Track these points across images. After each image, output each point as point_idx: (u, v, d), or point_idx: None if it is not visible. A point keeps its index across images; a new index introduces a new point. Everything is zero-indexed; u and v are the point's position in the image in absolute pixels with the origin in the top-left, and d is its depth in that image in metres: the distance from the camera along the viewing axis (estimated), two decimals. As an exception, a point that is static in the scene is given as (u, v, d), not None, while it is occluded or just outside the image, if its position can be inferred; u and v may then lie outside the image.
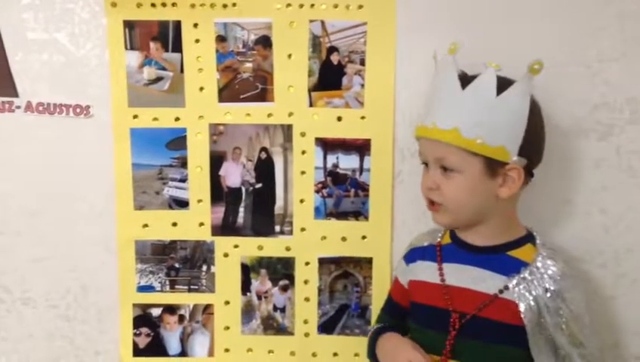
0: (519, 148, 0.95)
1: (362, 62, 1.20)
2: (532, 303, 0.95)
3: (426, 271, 1.07)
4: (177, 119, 1.24)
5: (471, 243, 1.04)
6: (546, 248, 1.00)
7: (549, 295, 0.95)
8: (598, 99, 1.17)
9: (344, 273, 1.27)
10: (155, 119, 1.24)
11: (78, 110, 1.24)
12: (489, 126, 0.94)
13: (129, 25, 1.21)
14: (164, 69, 1.23)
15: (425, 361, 0.97)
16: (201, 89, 1.23)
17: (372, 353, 1.11)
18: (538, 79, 0.96)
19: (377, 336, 1.10)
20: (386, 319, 1.17)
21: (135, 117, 1.24)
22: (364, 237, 1.25)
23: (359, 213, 1.25)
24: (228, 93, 1.23)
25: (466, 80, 0.97)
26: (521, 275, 0.97)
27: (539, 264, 0.98)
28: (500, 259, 1.00)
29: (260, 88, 1.23)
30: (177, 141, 1.25)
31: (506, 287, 0.97)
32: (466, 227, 1.03)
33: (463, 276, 1.02)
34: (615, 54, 1.15)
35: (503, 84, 0.95)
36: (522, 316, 0.95)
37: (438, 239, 1.09)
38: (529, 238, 1.02)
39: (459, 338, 1.00)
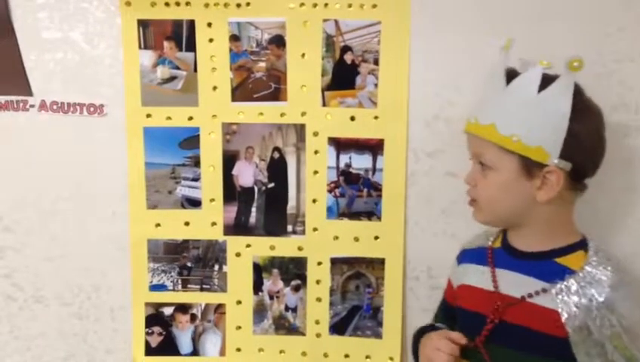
0: (560, 151, 0.91)
1: (376, 62, 1.20)
2: (577, 312, 0.90)
3: (475, 275, 1.03)
4: (190, 118, 1.24)
5: (517, 248, 0.99)
6: (597, 256, 0.93)
7: (595, 304, 0.89)
8: (615, 100, 1.15)
9: (356, 273, 1.26)
10: (169, 118, 1.24)
11: (91, 109, 1.24)
12: (527, 124, 0.91)
13: (143, 24, 1.22)
14: (177, 68, 1.23)
15: (453, 346, 0.95)
16: (215, 88, 1.23)
17: (415, 353, 1.08)
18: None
19: (421, 335, 1.07)
20: (440, 318, 1.14)
21: (148, 116, 1.24)
22: (376, 238, 1.25)
23: (372, 214, 1.24)
24: (241, 92, 1.23)
25: (512, 76, 0.95)
26: (565, 283, 0.91)
27: (587, 272, 0.91)
28: (547, 265, 0.95)
29: (273, 87, 1.23)
30: (190, 140, 1.25)
31: (546, 292, 0.92)
32: (508, 228, 1.01)
33: (507, 282, 0.97)
34: (632, 55, 1.14)
35: (549, 82, 0.91)
36: (565, 326, 0.90)
37: (489, 242, 1.05)
38: (581, 245, 0.96)
39: (492, 344, 0.96)
